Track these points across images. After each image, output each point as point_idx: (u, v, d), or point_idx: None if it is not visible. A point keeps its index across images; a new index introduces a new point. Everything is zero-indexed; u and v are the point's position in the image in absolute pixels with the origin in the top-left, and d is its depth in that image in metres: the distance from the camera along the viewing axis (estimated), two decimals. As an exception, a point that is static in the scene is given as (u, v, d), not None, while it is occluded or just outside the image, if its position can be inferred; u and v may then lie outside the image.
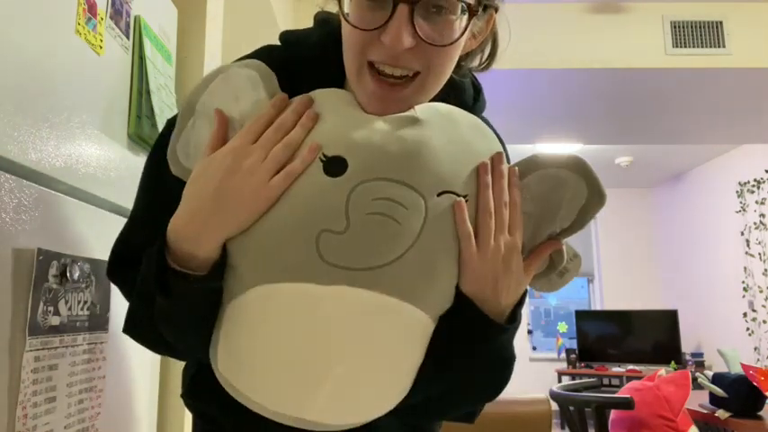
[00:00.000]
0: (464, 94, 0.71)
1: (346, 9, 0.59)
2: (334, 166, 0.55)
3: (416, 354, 0.60)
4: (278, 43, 0.71)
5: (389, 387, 0.60)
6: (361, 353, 0.57)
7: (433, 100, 0.65)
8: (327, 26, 0.67)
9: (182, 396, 0.77)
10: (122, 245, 0.71)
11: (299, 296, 0.55)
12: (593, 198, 0.62)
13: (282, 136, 0.57)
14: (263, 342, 0.58)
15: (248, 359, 0.59)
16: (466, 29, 0.58)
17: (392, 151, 0.56)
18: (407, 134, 0.57)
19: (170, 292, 0.58)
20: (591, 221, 0.65)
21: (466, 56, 0.67)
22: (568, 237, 0.65)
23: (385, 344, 0.58)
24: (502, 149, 0.65)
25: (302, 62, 0.66)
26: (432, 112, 0.61)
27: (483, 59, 0.70)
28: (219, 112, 0.58)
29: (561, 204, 0.63)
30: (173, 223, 0.58)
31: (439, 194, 0.56)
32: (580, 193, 0.63)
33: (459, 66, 0.66)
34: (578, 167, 0.63)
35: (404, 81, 0.59)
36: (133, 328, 0.71)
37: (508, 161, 0.65)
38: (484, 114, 0.73)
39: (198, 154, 0.60)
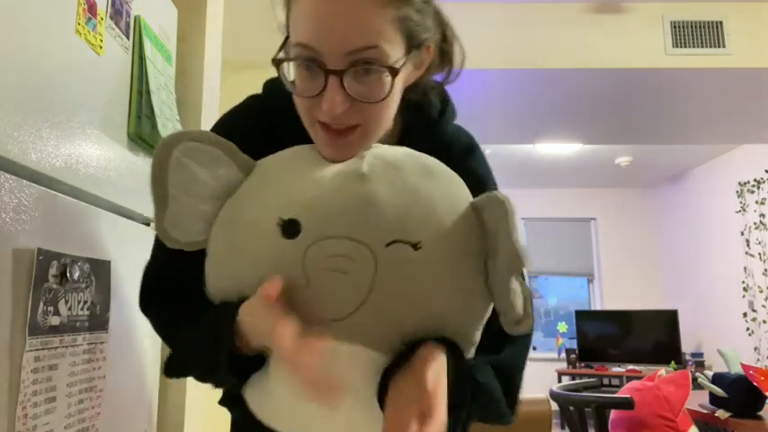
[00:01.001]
0: (429, 109, 0.76)
1: (291, 77, 0.66)
2: (290, 228, 0.61)
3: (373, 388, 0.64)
4: (260, 91, 0.79)
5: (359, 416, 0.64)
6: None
7: (402, 117, 0.73)
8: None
9: (219, 403, 0.81)
10: (152, 279, 0.80)
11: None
12: (512, 259, 0.60)
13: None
14: (275, 391, 0.65)
15: (267, 398, 0.67)
16: (394, 84, 0.63)
17: (339, 209, 0.61)
18: (353, 190, 0.62)
19: (243, 374, 0.65)
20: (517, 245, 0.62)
21: (422, 81, 0.73)
22: (500, 286, 0.63)
23: (350, 384, 0.61)
24: (454, 181, 0.68)
25: (280, 109, 0.73)
26: (378, 164, 0.65)
27: (446, 74, 0.77)
28: (267, 291, 0.60)
29: (500, 253, 0.62)
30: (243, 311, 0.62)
31: (388, 245, 0.60)
32: (506, 250, 0.61)
33: (423, 91, 0.74)
34: (505, 216, 0.62)
35: (348, 129, 0.65)
36: (175, 373, 0.75)
37: (478, 166, 0.73)
38: (458, 122, 0.77)
39: (186, 226, 0.67)
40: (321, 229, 0.60)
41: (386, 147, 0.69)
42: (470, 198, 0.67)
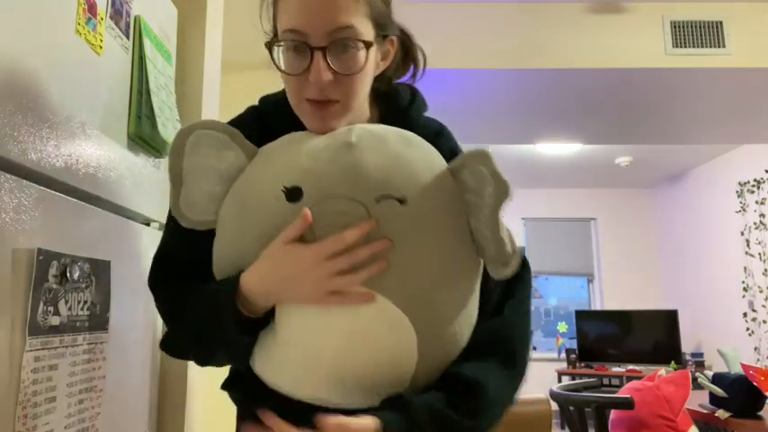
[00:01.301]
0: (397, 98, 0.89)
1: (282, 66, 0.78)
2: (293, 193, 0.71)
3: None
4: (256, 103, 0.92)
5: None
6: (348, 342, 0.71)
7: (377, 108, 0.87)
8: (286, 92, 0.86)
9: (222, 387, 0.87)
10: (162, 259, 0.86)
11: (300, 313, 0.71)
12: (499, 190, 0.69)
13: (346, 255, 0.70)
14: (282, 351, 0.74)
15: (276, 362, 0.75)
16: (367, 58, 0.77)
17: (333, 173, 0.70)
18: (344, 157, 0.71)
19: (251, 332, 0.74)
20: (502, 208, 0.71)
21: (389, 72, 0.87)
22: (488, 227, 0.72)
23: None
24: (432, 150, 0.77)
25: (274, 117, 0.86)
26: (364, 135, 0.74)
27: (413, 73, 0.91)
28: (306, 216, 0.69)
29: (484, 198, 0.71)
30: (248, 282, 0.72)
31: (378, 200, 0.69)
32: (494, 186, 0.70)
33: (389, 81, 0.88)
34: (488, 163, 0.70)
35: (330, 103, 0.77)
36: (172, 348, 0.84)
37: (450, 152, 0.80)
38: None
39: (199, 205, 0.77)
40: (320, 191, 0.70)
41: (367, 125, 0.79)
42: (446, 165, 0.76)
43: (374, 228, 0.69)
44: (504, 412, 0.78)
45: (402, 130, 0.78)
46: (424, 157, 0.75)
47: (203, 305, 0.75)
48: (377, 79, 0.85)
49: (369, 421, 0.69)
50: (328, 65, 0.74)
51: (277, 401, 0.76)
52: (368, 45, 0.76)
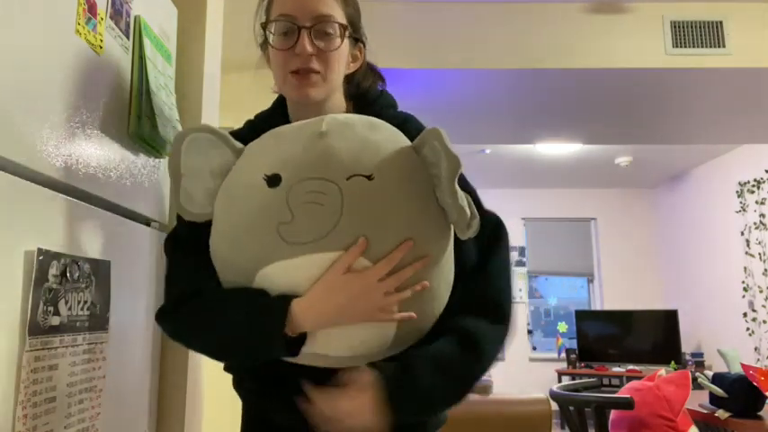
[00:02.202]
0: (366, 95, 1.03)
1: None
2: (273, 180, 0.79)
3: None
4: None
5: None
6: None
7: (351, 104, 1.01)
8: (277, 100, 1.04)
9: (225, 369, 0.96)
10: (175, 232, 0.94)
11: (282, 270, 0.78)
12: (450, 164, 0.78)
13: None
14: None
15: None
16: (342, 40, 0.93)
17: (308, 159, 0.79)
18: (316, 145, 0.80)
19: (297, 351, 0.81)
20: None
21: (358, 75, 1.02)
22: (448, 195, 0.80)
23: None
24: (396, 132, 0.86)
25: (264, 121, 0.98)
26: (333, 123, 0.83)
27: (376, 82, 1.05)
28: (349, 255, 0.77)
29: (439, 168, 0.80)
30: (303, 310, 0.78)
31: (348, 179, 0.77)
32: (446, 160, 0.79)
33: (357, 85, 1.02)
34: (438, 138, 0.79)
35: (312, 74, 0.91)
36: (168, 322, 0.89)
37: (415, 128, 0.90)
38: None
39: (196, 200, 0.87)
40: (297, 175, 0.78)
41: (337, 114, 0.89)
42: (410, 144, 0.85)
43: (346, 199, 0.76)
44: (493, 365, 0.85)
45: (368, 117, 0.88)
46: (388, 138, 0.84)
47: (244, 324, 0.80)
48: (348, 80, 1.00)
49: (365, 377, 0.78)
50: (312, 41, 0.90)
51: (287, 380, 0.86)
52: (344, 28, 0.93)
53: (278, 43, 0.92)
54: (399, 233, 0.78)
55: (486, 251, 0.91)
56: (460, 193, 0.80)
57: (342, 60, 0.95)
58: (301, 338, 0.80)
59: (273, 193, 0.78)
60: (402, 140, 0.85)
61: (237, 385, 0.97)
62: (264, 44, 0.98)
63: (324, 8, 0.91)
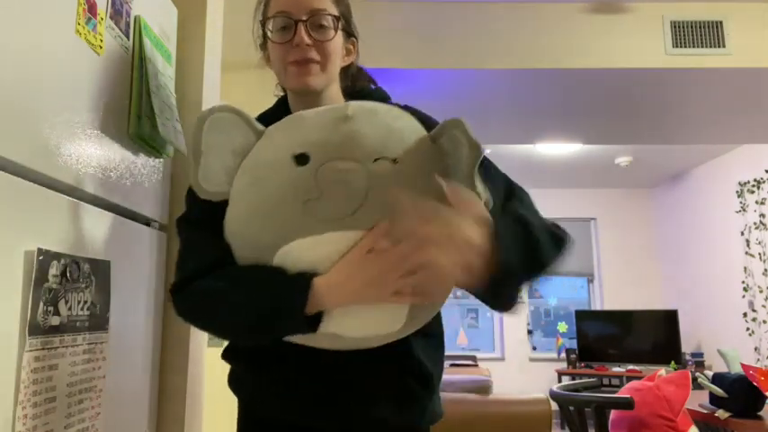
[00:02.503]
0: (362, 91, 1.07)
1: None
2: (301, 159, 0.82)
3: None
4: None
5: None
6: None
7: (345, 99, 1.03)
8: (280, 100, 1.08)
9: (222, 356, 0.98)
10: (194, 207, 0.94)
11: (305, 247, 0.80)
12: (473, 152, 0.83)
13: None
14: None
15: None
16: (336, 32, 0.98)
17: (335, 141, 0.82)
18: (343, 127, 0.83)
19: (315, 329, 0.82)
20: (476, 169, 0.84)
21: (352, 70, 1.08)
22: (466, 183, 0.84)
23: None
24: (415, 122, 0.89)
25: (265, 119, 0.96)
26: (359, 108, 0.87)
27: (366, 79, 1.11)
28: (371, 236, 0.79)
29: (461, 158, 0.84)
30: (325, 285, 0.80)
31: (374, 161, 0.81)
32: (468, 148, 0.84)
33: (353, 79, 1.07)
34: (462, 128, 0.83)
35: (310, 63, 0.97)
36: (180, 299, 0.89)
37: (430, 129, 0.89)
38: (411, 105, 1.01)
39: (214, 178, 0.88)
40: (325, 155, 0.81)
41: (362, 101, 0.92)
42: (427, 134, 0.88)
43: (371, 180, 0.80)
44: (554, 267, 0.84)
45: (391, 107, 0.92)
46: (410, 127, 0.88)
47: (265, 298, 0.81)
48: (343, 76, 1.05)
49: (475, 201, 0.81)
50: (309, 33, 0.96)
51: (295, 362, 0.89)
52: (337, 20, 0.99)
53: (277, 38, 0.98)
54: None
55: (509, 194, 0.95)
56: (479, 180, 0.84)
57: (337, 51, 1.00)
58: (317, 318, 0.81)
59: (301, 172, 0.81)
60: (420, 130, 0.88)
61: (231, 380, 0.98)
62: (264, 44, 1.03)
63: (317, 3, 0.98)
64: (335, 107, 0.88)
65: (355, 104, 0.88)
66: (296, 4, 0.97)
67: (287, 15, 0.97)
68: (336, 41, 0.99)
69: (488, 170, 0.92)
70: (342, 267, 0.79)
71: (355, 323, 0.83)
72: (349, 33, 1.04)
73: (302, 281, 0.79)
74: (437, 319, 0.99)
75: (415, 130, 0.88)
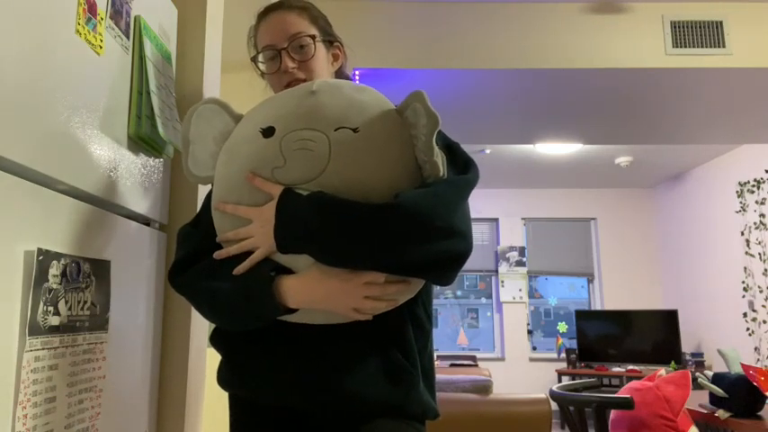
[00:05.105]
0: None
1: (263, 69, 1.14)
2: (268, 132, 0.89)
3: None
4: None
5: None
6: None
7: None
8: None
9: (209, 339, 1.04)
10: (188, 256, 0.98)
11: None
12: (430, 121, 0.87)
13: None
14: None
15: None
16: (315, 48, 1.10)
17: (299, 113, 0.89)
18: (307, 101, 0.91)
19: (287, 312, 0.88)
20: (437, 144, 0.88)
21: (342, 74, 1.18)
22: (424, 152, 0.88)
23: None
24: (381, 96, 0.94)
25: None
26: (323, 83, 0.94)
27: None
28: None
29: (420, 129, 0.88)
30: (291, 287, 0.87)
31: (336, 130, 0.87)
32: (426, 118, 0.87)
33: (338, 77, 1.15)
34: (421, 99, 0.87)
35: (299, 82, 1.06)
36: (176, 281, 0.95)
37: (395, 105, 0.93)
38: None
39: (202, 164, 0.98)
40: (289, 126, 0.88)
41: (327, 79, 1.00)
42: (393, 107, 0.93)
43: (333, 147, 0.85)
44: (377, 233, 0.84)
45: (355, 83, 0.99)
46: (373, 100, 0.93)
47: (240, 298, 0.88)
48: (335, 78, 1.12)
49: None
50: (291, 58, 1.08)
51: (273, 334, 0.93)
52: (313, 37, 1.10)
53: (268, 69, 1.11)
54: (382, 179, 0.86)
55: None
56: (437, 151, 0.88)
57: (321, 64, 1.11)
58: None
59: (268, 142, 0.88)
60: (385, 103, 0.93)
61: (217, 373, 1.02)
62: (263, 74, 1.15)
63: (292, 29, 1.09)
64: (304, 84, 0.96)
65: (320, 80, 0.96)
66: (275, 35, 1.09)
67: (271, 47, 1.09)
68: (319, 56, 1.10)
69: (452, 149, 0.96)
70: (310, 275, 0.86)
71: (321, 317, 0.89)
72: (331, 42, 1.15)
73: (268, 286, 0.86)
74: (426, 311, 1.01)
75: (379, 102, 0.93)
